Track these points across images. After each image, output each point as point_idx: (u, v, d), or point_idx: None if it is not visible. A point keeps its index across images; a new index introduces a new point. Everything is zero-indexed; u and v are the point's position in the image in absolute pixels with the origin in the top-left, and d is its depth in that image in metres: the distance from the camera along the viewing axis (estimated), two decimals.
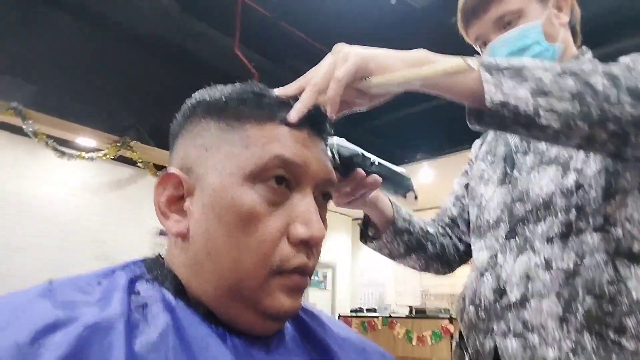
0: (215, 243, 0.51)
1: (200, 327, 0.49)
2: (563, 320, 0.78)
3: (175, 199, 0.55)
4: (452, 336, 5.21)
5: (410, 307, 6.09)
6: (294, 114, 0.54)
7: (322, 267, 6.98)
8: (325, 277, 7.11)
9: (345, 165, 0.76)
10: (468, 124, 0.69)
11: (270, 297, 0.51)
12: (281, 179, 0.52)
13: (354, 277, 7.63)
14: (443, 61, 0.62)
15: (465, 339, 0.96)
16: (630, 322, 0.74)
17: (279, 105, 0.55)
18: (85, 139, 4.33)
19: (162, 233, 5.68)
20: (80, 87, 3.75)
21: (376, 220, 1.00)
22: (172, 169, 0.55)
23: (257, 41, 4.14)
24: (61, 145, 4.28)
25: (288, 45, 4.19)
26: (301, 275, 0.53)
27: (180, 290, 0.53)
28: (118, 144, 4.26)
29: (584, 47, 1.00)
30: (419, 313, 5.77)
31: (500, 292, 0.86)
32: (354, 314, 6.25)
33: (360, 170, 0.78)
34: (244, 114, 0.54)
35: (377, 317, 5.96)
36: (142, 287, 0.51)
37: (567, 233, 0.82)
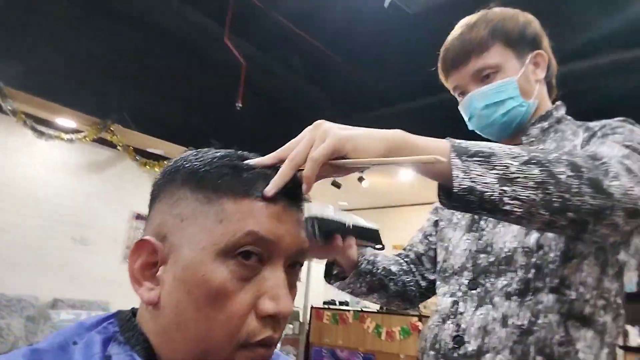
0: (185, 316, 0.52)
1: None
2: None
3: (149, 266, 0.56)
4: (420, 333, 5.34)
5: None
6: (270, 188, 0.55)
7: None
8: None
9: (325, 236, 0.81)
10: (438, 200, 0.73)
11: None
12: (253, 254, 0.53)
13: None
14: (420, 146, 0.65)
15: None
16: None
17: (257, 179, 0.56)
18: (65, 120, 4.25)
19: (139, 217, 5.62)
20: (63, 68, 3.67)
21: (342, 262, 1.03)
22: (147, 236, 0.56)
23: (248, 31, 4.11)
24: (41, 125, 4.19)
25: (278, 36, 4.17)
26: (266, 348, 0.54)
27: (150, 356, 0.54)
28: (99, 126, 4.20)
29: (558, 103, 1.05)
30: (389, 309, 5.86)
31: (459, 341, 0.91)
32: (326, 307, 6.32)
33: (339, 241, 0.83)
34: (221, 188, 0.54)
35: (348, 310, 6.03)
36: (114, 350, 0.53)
37: (525, 291, 0.87)
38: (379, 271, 1.07)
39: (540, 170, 0.67)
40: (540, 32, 1.03)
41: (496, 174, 0.65)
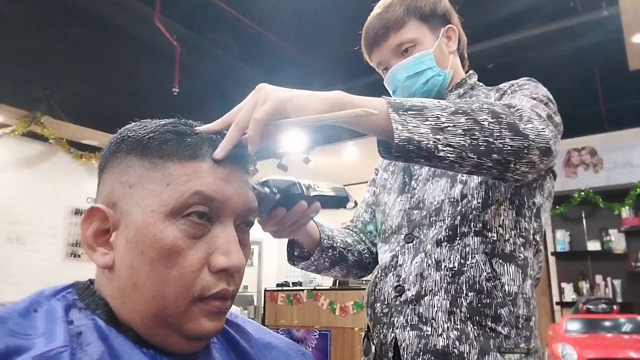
0: (140, 276, 0.55)
1: (132, 352, 0.53)
2: (450, 313, 0.92)
3: (101, 233, 0.58)
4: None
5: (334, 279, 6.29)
6: (219, 151, 0.58)
7: None
8: (251, 253, 7.14)
9: (286, 197, 0.78)
10: (378, 154, 0.79)
11: (193, 322, 0.56)
12: (202, 214, 0.56)
13: (280, 252, 7.72)
14: (358, 104, 0.70)
15: (371, 331, 1.07)
16: (504, 312, 0.91)
17: (201, 143, 0.58)
18: None
19: (77, 212, 5.41)
20: None
21: (304, 241, 1.07)
22: (98, 204, 0.59)
23: (180, 12, 3.99)
24: None
25: (212, 17, 4.08)
26: (222, 300, 0.57)
27: (111, 317, 0.56)
28: (27, 119, 3.98)
29: (471, 72, 1.16)
30: (342, 285, 5.98)
31: (400, 289, 0.99)
32: (280, 289, 6.36)
33: (304, 203, 0.81)
34: (166, 153, 0.57)
35: (302, 290, 6.10)
36: (74, 315, 0.55)
37: (453, 236, 0.96)
38: (338, 244, 1.12)
39: (466, 119, 0.75)
40: (450, 9, 1.13)
41: (429, 124, 0.73)
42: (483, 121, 0.75)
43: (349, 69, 4.48)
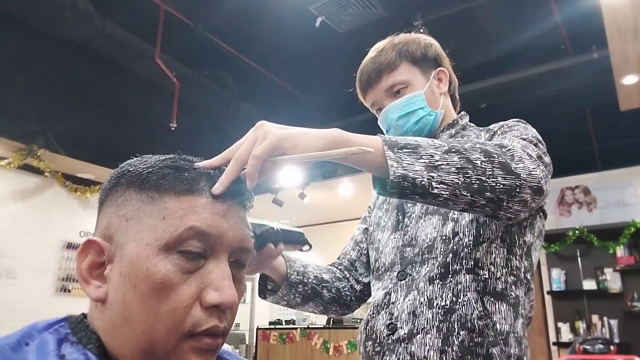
0: (131, 310, 0.54)
1: None
2: (442, 352, 0.91)
3: (96, 266, 0.58)
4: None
5: (328, 317, 6.19)
6: (217, 187, 0.59)
7: None
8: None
9: (259, 240, 0.84)
10: (374, 190, 0.81)
11: (182, 359, 0.54)
12: (195, 248, 0.55)
13: None
14: (354, 141, 0.73)
15: None
16: (495, 351, 0.90)
17: (199, 178, 0.59)
18: None
19: (70, 246, 5.35)
20: None
21: (272, 276, 1.10)
22: (95, 237, 0.59)
23: (180, 50, 4.07)
24: None
25: (211, 55, 4.16)
26: (213, 337, 0.56)
27: (102, 352, 0.55)
28: (24, 152, 3.99)
29: (462, 113, 1.20)
30: (336, 323, 5.88)
31: (393, 327, 0.98)
32: (272, 327, 6.25)
33: (271, 246, 0.88)
34: (163, 187, 0.57)
35: (295, 328, 5.99)
36: (66, 350, 0.54)
37: (446, 274, 0.96)
38: (310, 280, 1.13)
39: (459, 158, 0.77)
40: (441, 53, 1.19)
41: (423, 162, 0.75)
42: (476, 160, 0.77)
43: (345, 107, 4.55)
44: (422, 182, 0.74)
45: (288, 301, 1.12)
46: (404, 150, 0.75)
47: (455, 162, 0.76)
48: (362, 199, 6.30)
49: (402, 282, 1.02)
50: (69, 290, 5.32)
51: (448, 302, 0.94)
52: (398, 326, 0.97)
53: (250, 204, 0.65)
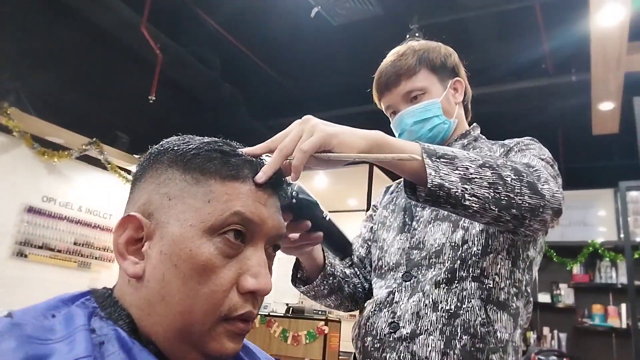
0: (170, 288, 0.55)
1: None
2: (444, 354, 0.94)
3: (133, 241, 0.58)
4: (325, 337, 5.42)
5: (287, 305, 6.21)
6: (261, 175, 0.60)
7: None
8: None
9: (299, 208, 0.79)
10: (405, 194, 0.84)
11: (216, 341, 0.56)
12: (238, 233, 0.57)
13: None
14: (396, 146, 0.76)
15: None
16: (495, 357, 0.94)
17: (243, 165, 0.60)
18: None
19: (31, 210, 5.21)
20: None
21: (307, 265, 1.10)
22: (134, 212, 0.58)
23: (166, 23, 3.99)
24: None
25: (198, 32, 4.10)
26: (245, 322, 0.58)
27: (133, 329, 0.55)
28: None
29: (474, 124, 1.23)
30: (296, 313, 5.90)
31: (395, 326, 1.01)
32: None
33: (308, 223, 0.82)
34: (209, 170, 0.58)
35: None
36: (96, 324, 0.54)
37: (452, 280, 0.99)
38: (338, 273, 1.16)
39: (492, 173, 0.79)
40: (459, 64, 1.22)
41: (459, 174, 0.77)
42: (507, 177, 0.80)
43: (331, 99, 4.55)
44: (457, 193, 0.76)
45: (316, 292, 1.15)
46: (442, 160, 0.77)
47: (488, 177, 0.78)
48: (336, 191, 6.33)
49: (407, 283, 1.04)
50: (26, 255, 5.18)
51: (453, 307, 0.97)
52: (400, 325, 1.00)
53: (285, 195, 0.67)
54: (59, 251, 5.02)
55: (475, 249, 1.00)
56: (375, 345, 1.03)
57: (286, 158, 0.65)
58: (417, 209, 1.12)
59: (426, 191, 0.76)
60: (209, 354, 0.56)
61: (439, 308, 0.98)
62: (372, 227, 1.28)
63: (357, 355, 1.10)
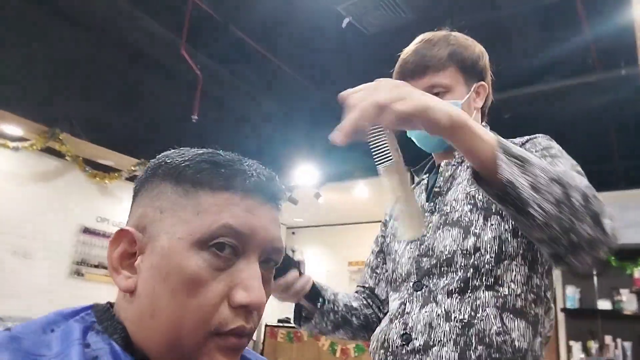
0: (159, 302, 0.54)
1: None
2: None
3: (127, 256, 0.58)
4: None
5: None
6: (338, 135, 0.61)
7: None
8: None
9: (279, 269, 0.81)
10: (479, 186, 0.78)
11: (208, 356, 0.54)
12: (228, 246, 0.55)
13: None
14: (474, 131, 0.72)
15: None
16: None
17: (235, 175, 0.58)
18: (11, 127, 4.08)
19: (86, 231, 5.43)
20: (10, 71, 3.54)
21: (306, 305, 1.14)
22: (128, 227, 0.59)
23: (204, 43, 4.10)
24: None
25: (235, 50, 4.18)
26: (238, 337, 0.56)
27: (127, 343, 0.55)
28: (47, 135, 4.06)
29: (483, 123, 1.17)
30: None
31: (407, 338, 0.97)
32: (280, 324, 6.25)
33: (296, 272, 0.92)
34: (199, 182, 0.57)
35: None
36: (92, 339, 0.54)
37: (465, 289, 0.95)
38: (340, 309, 1.15)
39: (561, 191, 0.73)
40: (487, 67, 1.15)
41: (528, 180, 0.72)
42: (574, 200, 0.74)
43: None
44: (525, 197, 0.71)
45: (320, 329, 1.15)
46: (514, 159, 0.72)
47: (556, 193, 0.73)
48: (376, 202, 6.27)
49: (418, 292, 1.00)
50: (83, 274, 5.39)
51: (466, 316, 0.92)
52: (413, 337, 0.96)
53: (281, 205, 0.64)
54: None
55: (488, 256, 0.95)
56: (389, 359, 0.99)
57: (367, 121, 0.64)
58: (426, 214, 1.07)
59: (497, 184, 0.72)
60: None
61: (452, 318, 0.93)
62: (379, 251, 1.26)
63: None
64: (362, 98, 0.67)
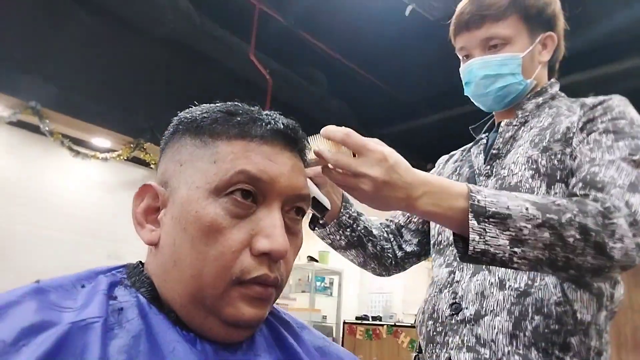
0: (180, 253, 0.54)
1: (169, 332, 0.52)
2: (513, 336, 0.84)
3: (151, 210, 0.59)
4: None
5: (416, 316, 6.08)
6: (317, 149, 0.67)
7: (328, 273, 6.98)
8: (332, 283, 7.11)
9: None
10: (455, 247, 0.77)
11: (231, 306, 0.54)
12: (247, 193, 0.54)
13: (362, 285, 7.62)
14: (429, 206, 0.71)
15: (423, 351, 1.01)
16: (574, 341, 0.82)
17: (251, 122, 0.58)
18: (100, 140, 4.39)
19: None
20: (97, 88, 3.81)
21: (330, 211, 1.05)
22: (150, 182, 0.60)
23: (273, 48, 4.18)
24: (76, 144, 4.35)
25: (303, 53, 4.23)
26: (263, 286, 0.55)
27: (154, 296, 0.56)
28: (132, 146, 4.33)
29: (553, 80, 1.06)
30: None
31: (457, 307, 0.92)
32: (359, 322, 6.25)
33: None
34: (216, 131, 0.57)
35: (382, 325, 5.95)
36: (119, 292, 0.55)
37: None
38: (359, 228, 1.09)
39: (551, 234, 0.70)
40: (559, 15, 1.03)
41: (509, 235, 0.69)
42: (569, 237, 0.71)
43: (436, 100, 4.41)
44: (503, 258, 0.70)
45: (333, 240, 1.09)
46: (491, 220, 0.69)
47: (544, 239, 0.70)
48: None
49: None
50: None
51: (522, 285, 0.86)
52: (463, 306, 0.91)
53: (305, 155, 0.64)
54: None
55: None
56: (438, 329, 0.94)
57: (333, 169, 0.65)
58: (481, 177, 1.00)
59: (467, 257, 0.70)
60: (226, 320, 0.54)
61: (507, 286, 0.87)
62: None
63: (420, 343, 1.02)
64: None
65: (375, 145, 0.68)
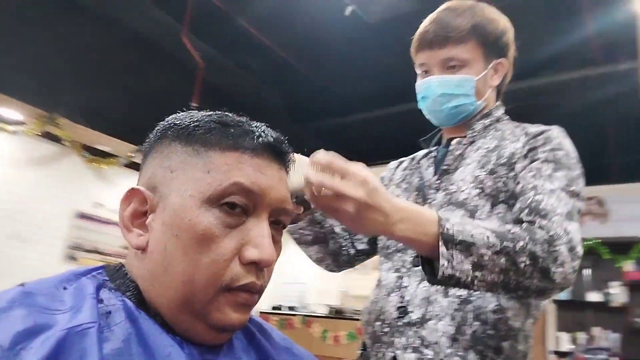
0: (172, 259, 0.55)
1: (161, 336, 0.53)
2: (454, 339, 0.93)
3: (138, 215, 0.59)
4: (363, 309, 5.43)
5: (329, 306, 6.23)
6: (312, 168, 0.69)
7: None
8: None
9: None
10: (422, 270, 0.84)
11: (219, 311, 0.56)
12: (238, 204, 0.56)
13: (278, 274, 7.66)
14: (405, 232, 0.76)
15: (367, 350, 1.08)
16: (506, 345, 0.93)
17: (244, 135, 0.59)
18: (10, 111, 4.05)
19: (82, 216, 5.42)
20: (13, 56, 3.51)
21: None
22: (139, 186, 0.60)
23: (207, 32, 4.08)
24: None
25: (238, 39, 4.17)
26: (249, 293, 0.58)
27: (140, 300, 0.57)
28: (45, 120, 4.04)
29: (498, 103, 1.15)
30: (337, 313, 5.91)
31: (404, 311, 0.99)
32: (274, 311, 6.30)
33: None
34: (209, 142, 0.58)
35: (295, 315, 6.04)
36: (104, 295, 0.55)
37: None
38: (326, 226, 1.14)
39: (506, 260, 0.79)
40: (511, 43, 1.12)
41: (472, 261, 0.77)
42: (521, 263, 0.80)
43: (372, 99, 4.53)
44: (466, 281, 0.78)
45: (300, 235, 1.13)
46: (458, 246, 0.77)
47: (501, 264, 0.79)
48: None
49: (417, 268, 1.01)
50: (76, 259, 5.39)
51: (464, 293, 0.95)
52: (409, 310, 0.98)
53: (289, 168, 0.66)
54: (108, 255, 5.21)
55: None
56: (384, 330, 1.01)
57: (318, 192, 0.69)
58: (431, 191, 1.07)
59: (435, 280, 0.79)
60: (213, 325, 0.56)
61: (450, 293, 0.96)
62: None
63: (366, 341, 1.08)
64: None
65: (358, 169, 0.72)
